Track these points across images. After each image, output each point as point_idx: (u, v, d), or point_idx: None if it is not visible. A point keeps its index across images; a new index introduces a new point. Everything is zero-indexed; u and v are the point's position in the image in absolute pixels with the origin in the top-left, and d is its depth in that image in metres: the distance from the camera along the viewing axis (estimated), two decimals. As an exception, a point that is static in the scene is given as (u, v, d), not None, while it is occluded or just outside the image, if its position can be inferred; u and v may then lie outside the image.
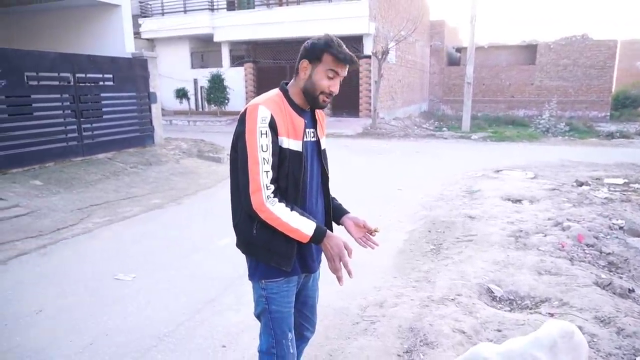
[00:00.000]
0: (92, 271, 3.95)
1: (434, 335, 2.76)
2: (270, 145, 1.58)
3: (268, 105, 1.61)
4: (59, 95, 7.74)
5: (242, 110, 1.63)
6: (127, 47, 9.69)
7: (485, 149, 12.01)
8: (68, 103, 7.80)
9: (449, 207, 5.87)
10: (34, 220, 5.27)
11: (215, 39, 18.84)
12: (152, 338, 2.87)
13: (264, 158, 1.56)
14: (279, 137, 1.61)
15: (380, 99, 16.23)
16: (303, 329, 1.96)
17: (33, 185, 6.38)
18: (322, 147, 1.81)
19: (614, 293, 3.26)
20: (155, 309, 3.27)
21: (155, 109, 9.70)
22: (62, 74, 7.66)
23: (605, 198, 5.94)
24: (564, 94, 22.06)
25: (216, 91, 17.89)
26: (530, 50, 23.14)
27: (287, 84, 1.74)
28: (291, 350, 1.76)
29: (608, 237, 4.42)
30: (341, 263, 1.64)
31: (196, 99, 19.87)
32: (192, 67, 20.34)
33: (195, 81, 19.66)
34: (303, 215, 1.62)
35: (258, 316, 1.80)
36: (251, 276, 1.76)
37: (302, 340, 1.99)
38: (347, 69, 1.67)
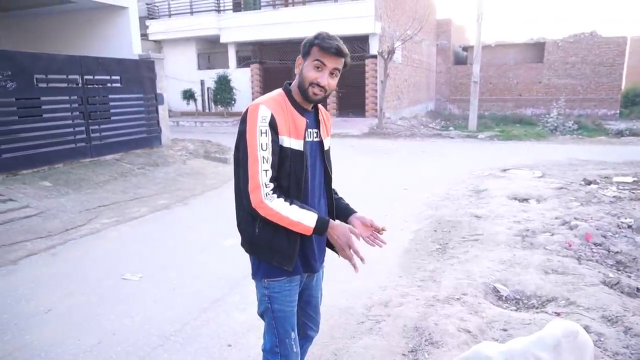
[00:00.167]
0: (99, 271, 4.00)
1: (439, 334, 2.76)
2: (270, 145, 1.59)
3: (269, 105, 1.62)
4: (67, 97, 7.83)
5: (244, 109, 1.65)
6: (134, 49, 9.77)
7: (492, 148, 11.94)
8: (76, 105, 7.88)
9: (455, 207, 5.85)
10: (44, 221, 5.33)
11: (222, 40, 18.92)
12: (159, 337, 2.90)
13: (263, 157, 1.57)
14: (279, 137, 1.61)
15: (387, 98, 16.20)
16: (307, 328, 1.97)
17: (42, 187, 6.46)
18: (326, 148, 1.80)
19: (622, 292, 3.23)
20: (161, 308, 3.30)
21: (162, 110, 9.77)
22: (70, 76, 7.75)
23: (614, 196, 5.88)
24: (573, 92, 21.87)
25: (223, 92, 17.97)
26: (538, 48, 22.96)
27: (290, 83, 1.75)
28: (294, 349, 1.77)
29: (616, 235, 4.38)
30: (352, 251, 1.63)
31: (203, 100, 19.97)
32: (199, 68, 20.45)
33: (202, 82, 19.76)
34: (303, 207, 1.63)
35: (261, 315, 1.81)
36: (254, 275, 1.78)
37: (306, 339, 2.00)
38: (336, 61, 1.63)
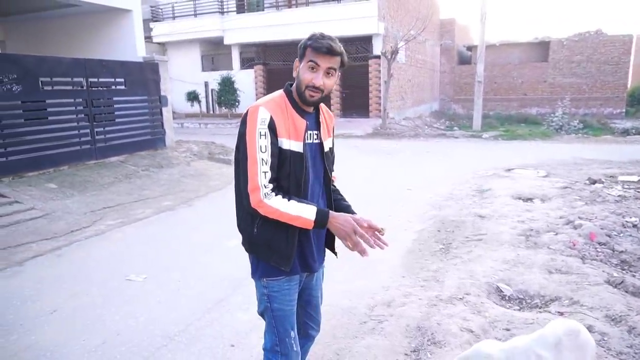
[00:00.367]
0: (104, 272, 4.03)
1: (442, 334, 2.76)
2: (269, 147, 1.60)
3: (269, 107, 1.63)
4: (72, 100, 7.88)
5: (245, 111, 1.66)
6: (138, 52, 9.84)
7: (496, 147, 11.89)
8: (81, 107, 7.93)
9: (459, 207, 5.84)
10: (49, 222, 5.38)
11: (226, 42, 19.00)
12: (163, 337, 2.92)
13: (262, 159, 1.58)
14: (278, 139, 1.62)
15: (390, 99, 16.19)
16: (308, 327, 1.98)
17: (48, 189, 6.51)
18: (326, 150, 1.80)
19: (626, 291, 3.21)
20: (165, 309, 3.32)
21: (167, 112, 9.82)
22: (75, 79, 7.80)
23: (619, 196, 5.84)
24: (578, 91, 21.74)
25: (227, 93, 18.03)
26: (542, 48, 22.86)
27: (292, 84, 1.74)
28: (294, 348, 1.77)
29: (621, 235, 4.35)
30: (357, 237, 1.60)
31: (207, 102, 20.05)
32: (203, 70, 20.54)
33: (206, 84, 19.84)
34: (302, 202, 1.63)
35: (261, 314, 1.82)
36: (253, 274, 1.79)
37: (307, 338, 2.00)
38: (330, 60, 1.61)
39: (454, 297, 3.25)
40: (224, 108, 18.68)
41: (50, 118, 7.57)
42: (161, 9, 20.45)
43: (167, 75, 9.89)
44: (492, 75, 22.88)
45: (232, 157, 9.59)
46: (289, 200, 1.61)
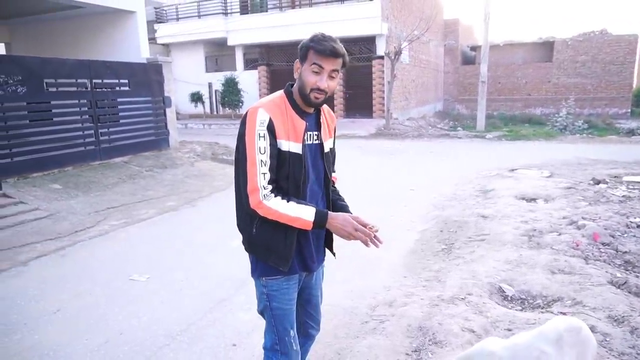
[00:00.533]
0: (108, 272, 4.05)
1: (443, 334, 2.75)
2: (268, 148, 1.60)
3: (268, 108, 1.63)
4: (76, 101, 7.94)
5: (245, 112, 1.67)
6: (142, 53, 9.89)
7: (500, 148, 11.85)
8: (86, 108, 7.99)
9: (462, 207, 5.83)
10: (53, 222, 5.41)
11: (229, 43, 19.04)
12: (165, 337, 2.93)
13: (261, 160, 1.59)
14: (277, 140, 1.62)
15: (394, 99, 16.17)
16: (308, 327, 1.98)
17: (52, 189, 6.56)
18: (326, 151, 1.80)
19: (629, 292, 3.20)
20: (168, 308, 3.33)
21: (170, 113, 9.86)
22: (79, 80, 7.86)
23: (623, 196, 5.81)
24: (582, 91, 21.64)
25: (230, 94, 18.08)
26: (546, 48, 22.78)
27: (292, 85, 1.74)
28: (294, 347, 1.78)
29: (625, 235, 4.33)
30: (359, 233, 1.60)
31: (211, 103, 20.10)
32: (207, 71, 20.59)
33: (210, 85, 19.90)
34: (301, 203, 1.64)
35: (261, 313, 1.83)
36: (252, 273, 1.80)
37: (307, 338, 2.01)
38: (334, 62, 1.61)
39: (455, 297, 3.24)
40: (227, 109, 18.73)
41: (54, 119, 7.62)
42: (165, 11, 20.53)
43: (171, 76, 9.93)
44: (496, 75, 22.82)
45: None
46: (288, 202, 1.62)
